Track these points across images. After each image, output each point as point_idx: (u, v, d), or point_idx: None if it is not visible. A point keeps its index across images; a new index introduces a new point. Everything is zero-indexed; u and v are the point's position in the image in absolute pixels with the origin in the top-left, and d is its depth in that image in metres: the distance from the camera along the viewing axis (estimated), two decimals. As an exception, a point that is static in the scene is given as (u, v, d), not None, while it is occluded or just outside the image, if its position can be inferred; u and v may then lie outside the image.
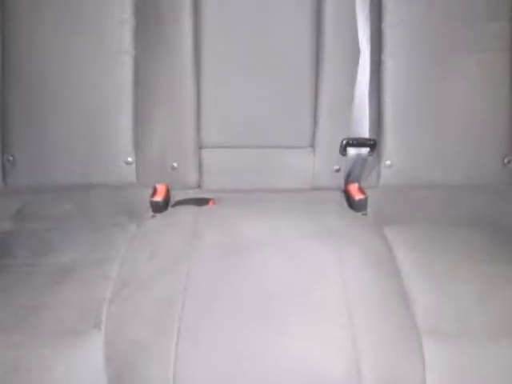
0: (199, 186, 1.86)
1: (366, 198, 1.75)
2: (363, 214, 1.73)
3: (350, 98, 1.81)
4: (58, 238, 1.56)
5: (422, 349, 1.23)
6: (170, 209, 1.74)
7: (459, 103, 1.86)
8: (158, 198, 1.73)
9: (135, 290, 1.34)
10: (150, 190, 1.77)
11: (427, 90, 1.86)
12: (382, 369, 1.18)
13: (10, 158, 1.86)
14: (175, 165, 1.83)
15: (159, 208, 1.72)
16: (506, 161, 1.86)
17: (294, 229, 1.52)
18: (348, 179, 1.84)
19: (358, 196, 1.76)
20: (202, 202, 1.75)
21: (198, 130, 1.83)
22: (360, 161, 1.82)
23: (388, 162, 1.86)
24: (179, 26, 1.79)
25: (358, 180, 1.83)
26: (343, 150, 1.81)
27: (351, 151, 1.81)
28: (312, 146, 1.85)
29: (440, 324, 1.29)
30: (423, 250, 1.51)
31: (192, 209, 1.67)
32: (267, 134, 1.86)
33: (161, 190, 1.76)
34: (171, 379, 1.14)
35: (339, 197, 1.84)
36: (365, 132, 1.81)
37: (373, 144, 1.80)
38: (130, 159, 1.85)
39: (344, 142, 1.80)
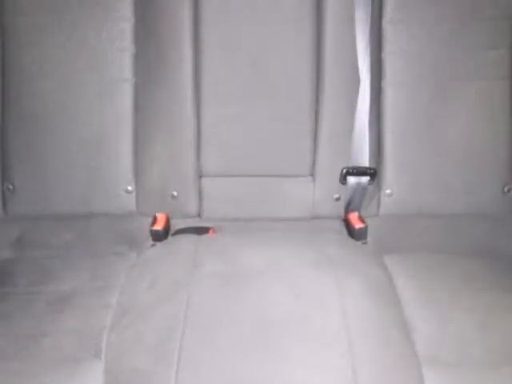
0: (199, 215, 1.87)
1: (366, 227, 1.76)
2: (363, 243, 1.74)
3: (350, 127, 1.82)
4: (58, 266, 1.57)
5: (423, 378, 1.23)
6: (169, 238, 1.75)
7: (459, 132, 1.87)
8: (158, 226, 1.75)
9: (135, 319, 1.35)
10: (150, 219, 1.79)
11: (427, 119, 1.87)
12: (382, 398, 1.19)
13: (10, 187, 1.87)
14: (175, 193, 1.84)
15: (159, 237, 1.73)
16: (506, 189, 1.87)
17: (294, 257, 1.53)
18: (348, 208, 1.85)
19: (358, 225, 1.77)
20: (201, 230, 1.76)
21: (198, 158, 1.84)
22: (360, 189, 1.82)
23: (388, 191, 1.86)
24: (179, 54, 1.80)
25: (358, 209, 1.84)
26: (343, 179, 1.82)
27: (351, 180, 1.82)
28: (312, 174, 1.85)
29: (440, 353, 1.30)
30: (423, 279, 1.52)
31: (192, 238, 1.68)
32: (267, 163, 1.87)
33: (161, 218, 1.78)
34: (171, 407, 1.15)
35: (339, 225, 1.84)
36: (365, 161, 1.82)
37: (373, 173, 1.81)
38: (129, 188, 1.86)
39: (344, 170, 1.81)
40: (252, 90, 1.84)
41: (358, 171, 1.81)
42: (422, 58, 1.85)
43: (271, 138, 1.86)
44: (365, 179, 1.82)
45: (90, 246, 1.71)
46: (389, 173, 1.87)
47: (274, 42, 1.83)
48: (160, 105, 1.84)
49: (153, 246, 1.70)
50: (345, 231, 1.82)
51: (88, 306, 1.42)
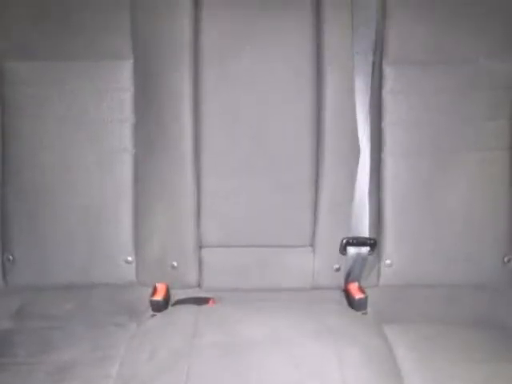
0: (199, 286, 1.89)
1: (365, 298, 1.78)
2: (363, 314, 1.76)
3: (350, 197, 1.85)
4: (59, 337, 1.60)
5: None
6: (169, 308, 1.77)
7: (459, 202, 1.91)
8: (158, 297, 1.77)
9: (136, 389, 1.38)
10: (150, 289, 1.81)
11: (427, 189, 1.90)
12: None
13: (10, 257, 1.90)
14: (175, 264, 1.87)
15: (159, 307, 1.75)
16: (505, 260, 1.89)
17: (294, 328, 1.56)
18: (348, 278, 1.87)
19: (357, 295, 1.79)
20: (201, 301, 1.79)
21: (198, 229, 1.88)
22: (360, 260, 1.85)
23: (388, 261, 1.89)
24: (179, 125, 1.85)
25: (358, 279, 1.86)
26: (343, 249, 1.85)
27: (351, 250, 1.85)
28: (312, 245, 1.89)
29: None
30: (423, 350, 1.54)
31: (192, 308, 1.71)
32: (267, 234, 1.90)
33: (161, 289, 1.80)
34: None
35: (339, 296, 1.86)
36: (365, 231, 1.85)
37: (373, 243, 1.84)
38: (129, 258, 1.89)
39: (344, 241, 1.84)
40: (252, 161, 1.89)
41: (358, 242, 1.84)
42: (421, 128, 1.89)
43: (271, 209, 1.90)
44: (365, 250, 1.85)
45: (90, 316, 1.73)
46: (389, 243, 1.90)
47: (274, 114, 1.89)
48: (160, 175, 1.88)
49: (153, 316, 1.73)
50: (345, 301, 1.84)
51: (88, 376, 1.44)
